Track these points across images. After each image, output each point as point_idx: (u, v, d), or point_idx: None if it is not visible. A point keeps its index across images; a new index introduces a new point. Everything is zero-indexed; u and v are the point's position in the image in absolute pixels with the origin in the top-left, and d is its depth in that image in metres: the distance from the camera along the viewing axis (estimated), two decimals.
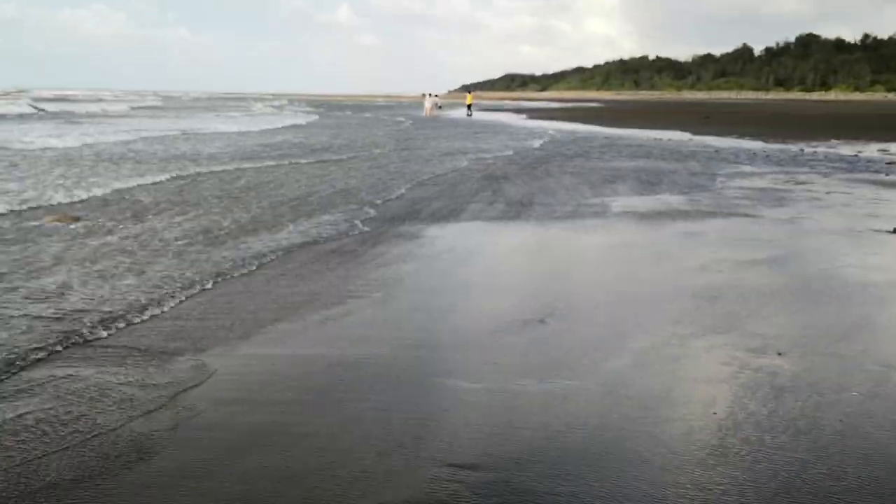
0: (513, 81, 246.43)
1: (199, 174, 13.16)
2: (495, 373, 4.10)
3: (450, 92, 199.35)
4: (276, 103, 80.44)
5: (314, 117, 42.74)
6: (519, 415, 3.59)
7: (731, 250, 7.40)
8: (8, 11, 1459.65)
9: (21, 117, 34.69)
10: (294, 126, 32.98)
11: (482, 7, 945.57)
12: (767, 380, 4.02)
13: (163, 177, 12.45)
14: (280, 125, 33.05)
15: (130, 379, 3.96)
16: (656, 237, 8.12)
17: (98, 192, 10.53)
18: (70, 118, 34.57)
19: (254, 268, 6.41)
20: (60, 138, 20.28)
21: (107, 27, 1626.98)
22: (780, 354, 4.40)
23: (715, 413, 3.61)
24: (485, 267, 6.89)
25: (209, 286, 5.79)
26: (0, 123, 28.57)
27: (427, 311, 5.32)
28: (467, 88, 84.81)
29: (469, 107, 52.19)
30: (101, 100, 70.13)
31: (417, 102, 71.63)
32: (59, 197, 9.91)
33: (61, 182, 11.44)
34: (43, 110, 32.41)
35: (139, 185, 11.40)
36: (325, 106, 76.16)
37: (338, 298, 5.53)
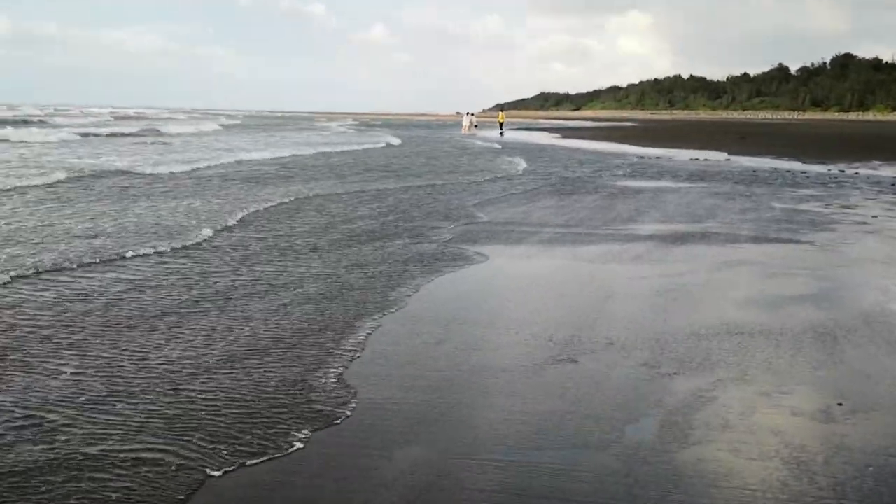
0: (546, 101, 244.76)
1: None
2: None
3: (484, 111, 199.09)
4: (346, 122, 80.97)
5: (395, 139, 40.03)
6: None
7: (776, 282, 6.88)
8: (49, 30, 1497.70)
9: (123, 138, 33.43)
10: (389, 145, 33.52)
11: (516, 26, 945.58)
12: (827, 440, 3.55)
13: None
14: (382, 143, 33.86)
15: None
16: (693, 266, 7.60)
17: None
18: (174, 138, 33.96)
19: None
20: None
21: (146, 46, 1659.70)
22: (840, 405, 3.92)
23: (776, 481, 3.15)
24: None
25: None
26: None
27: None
28: (500, 107, 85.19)
29: (501, 125, 52.24)
30: (170, 119, 66.06)
31: (456, 122, 72.47)
32: None
33: None
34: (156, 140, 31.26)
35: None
36: (387, 125, 76.03)
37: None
